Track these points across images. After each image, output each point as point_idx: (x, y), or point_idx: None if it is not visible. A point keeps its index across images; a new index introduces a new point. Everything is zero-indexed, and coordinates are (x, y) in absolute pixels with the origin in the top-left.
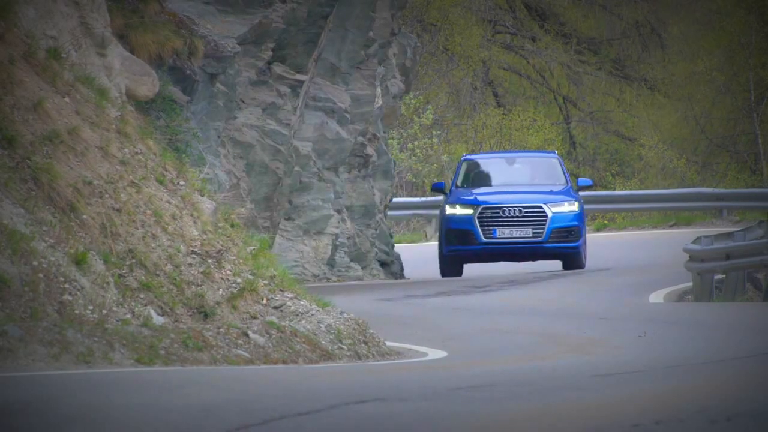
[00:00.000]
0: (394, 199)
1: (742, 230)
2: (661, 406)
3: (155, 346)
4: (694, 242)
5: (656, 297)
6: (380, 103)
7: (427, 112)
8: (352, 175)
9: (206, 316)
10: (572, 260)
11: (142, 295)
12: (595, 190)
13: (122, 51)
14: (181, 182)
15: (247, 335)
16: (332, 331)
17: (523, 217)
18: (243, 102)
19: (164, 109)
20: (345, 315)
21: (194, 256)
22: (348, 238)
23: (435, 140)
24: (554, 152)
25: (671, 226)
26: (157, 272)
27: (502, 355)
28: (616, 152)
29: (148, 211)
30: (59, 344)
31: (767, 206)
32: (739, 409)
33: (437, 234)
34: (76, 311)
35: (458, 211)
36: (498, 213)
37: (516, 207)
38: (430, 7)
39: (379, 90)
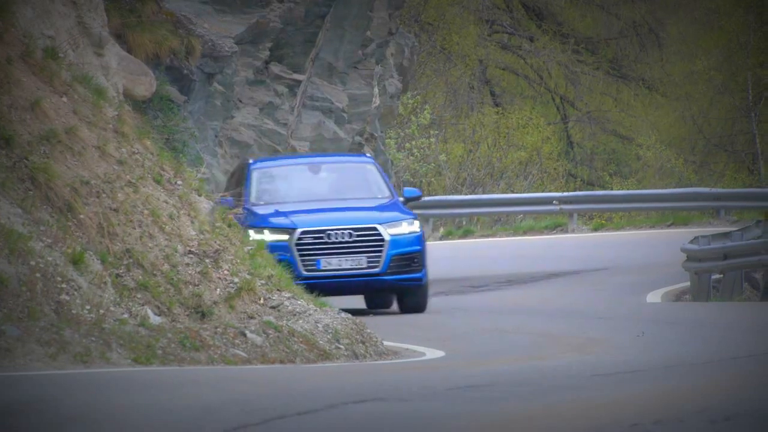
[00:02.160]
0: None
1: (740, 230)
2: (661, 406)
3: (152, 345)
4: (691, 242)
5: (654, 297)
6: (378, 102)
7: (425, 111)
8: None
9: (203, 315)
10: (415, 296)
11: (139, 295)
12: (593, 190)
13: (119, 50)
14: (179, 182)
15: (244, 335)
16: (330, 331)
17: (354, 242)
18: (240, 101)
19: (161, 108)
20: (342, 315)
21: (191, 255)
22: None
23: (432, 140)
24: (368, 156)
25: (669, 226)
26: (155, 272)
27: (501, 354)
28: (614, 152)
29: (146, 211)
30: (56, 344)
31: (765, 206)
32: (739, 409)
33: (435, 234)
34: (74, 311)
35: (268, 237)
36: (322, 238)
37: (344, 230)
38: (427, 6)
39: (376, 89)
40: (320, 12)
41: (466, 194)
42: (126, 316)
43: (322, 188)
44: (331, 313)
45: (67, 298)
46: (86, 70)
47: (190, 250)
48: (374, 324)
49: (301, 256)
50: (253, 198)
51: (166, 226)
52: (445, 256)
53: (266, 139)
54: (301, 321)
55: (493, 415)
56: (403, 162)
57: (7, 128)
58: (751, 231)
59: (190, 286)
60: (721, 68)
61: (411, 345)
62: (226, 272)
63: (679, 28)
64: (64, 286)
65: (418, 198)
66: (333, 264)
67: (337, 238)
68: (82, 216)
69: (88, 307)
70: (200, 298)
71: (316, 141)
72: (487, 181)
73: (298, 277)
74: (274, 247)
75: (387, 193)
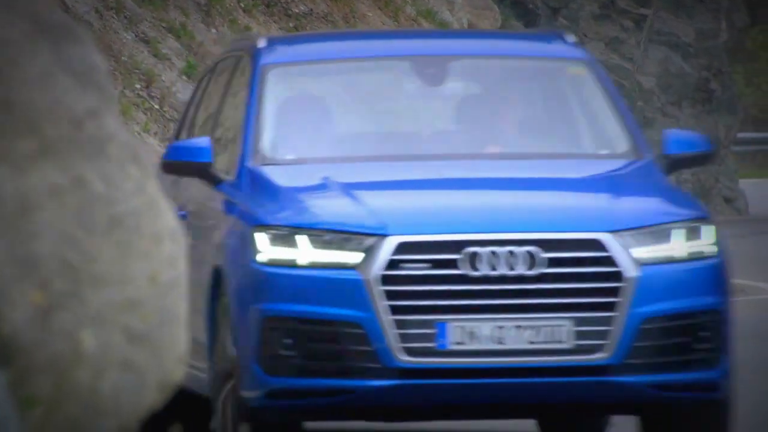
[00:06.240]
0: (739, 134)
1: None
2: None
3: None
4: None
5: None
6: (725, 36)
7: None
8: (696, 110)
9: None
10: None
11: None
12: None
13: None
14: None
15: None
16: None
17: (542, 279)
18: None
19: None
20: None
21: None
22: (692, 174)
23: None
24: (571, 38)
25: None
26: None
27: None
28: None
29: None
30: None
31: None
32: None
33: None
34: None
35: (305, 256)
36: (453, 266)
37: (514, 243)
38: None
39: (724, 23)
40: None
41: None
42: None
43: (445, 124)
44: None
45: None
46: (431, 5)
47: None
48: None
49: (396, 312)
50: (265, 143)
51: None
52: None
53: (612, 75)
54: None
55: None
56: (751, 97)
57: None
58: None
59: None
60: None
61: (760, 283)
62: None
63: None
64: None
65: (706, 157)
66: (483, 337)
67: (496, 268)
68: None
69: None
70: None
71: (661, 76)
72: None
73: (387, 368)
74: (317, 284)
75: (624, 143)
